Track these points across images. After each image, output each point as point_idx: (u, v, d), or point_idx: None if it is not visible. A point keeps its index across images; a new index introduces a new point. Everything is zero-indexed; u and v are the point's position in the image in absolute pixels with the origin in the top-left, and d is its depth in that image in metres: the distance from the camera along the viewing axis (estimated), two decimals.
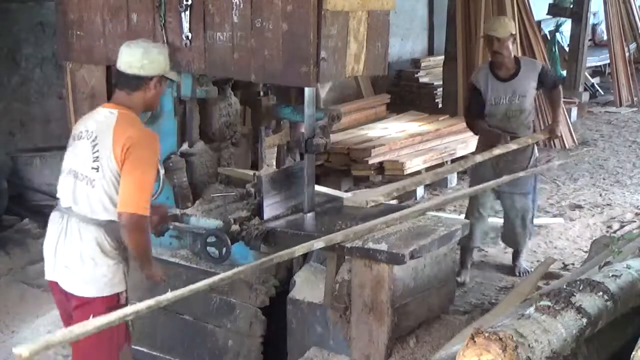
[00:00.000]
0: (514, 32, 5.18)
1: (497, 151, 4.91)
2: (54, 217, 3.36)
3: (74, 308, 3.27)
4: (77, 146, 3.29)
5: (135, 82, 3.28)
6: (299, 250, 3.24)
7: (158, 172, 3.88)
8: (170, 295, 2.58)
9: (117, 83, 3.38)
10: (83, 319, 3.16)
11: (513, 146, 4.99)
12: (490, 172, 5.09)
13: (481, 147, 5.32)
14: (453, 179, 7.96)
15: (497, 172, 5.05)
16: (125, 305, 3.25)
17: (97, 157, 3.18)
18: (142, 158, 3.16)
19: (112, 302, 3.23)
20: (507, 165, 5.13)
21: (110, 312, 3.07)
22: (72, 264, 3.22)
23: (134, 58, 3.27)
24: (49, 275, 3.34)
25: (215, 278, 2.77)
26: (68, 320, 3.35)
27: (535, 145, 5.35)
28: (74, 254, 3.21)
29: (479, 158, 4.94)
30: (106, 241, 3.22)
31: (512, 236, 5.57)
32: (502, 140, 5.09)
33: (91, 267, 3.20)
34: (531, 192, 5.39)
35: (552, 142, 9.60)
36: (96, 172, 3.18)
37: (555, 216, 6.99)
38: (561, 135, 5.76)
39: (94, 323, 2.36)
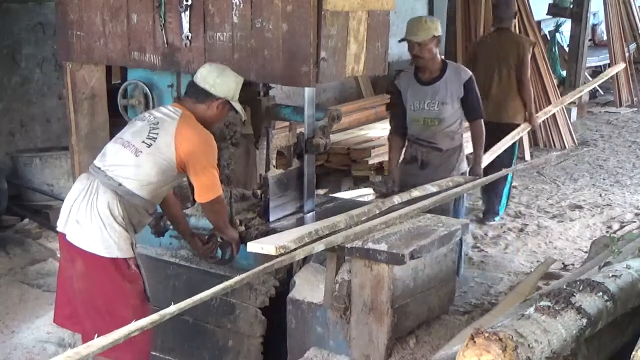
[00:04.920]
0: (437, 34, 4.77)
1: (415, 192, 4.28)
2: (81, 177, 3.57)
3: (82, 264, 3.44)
4: (135, 124, 3.55)
5: (203, 96, 3.51)
6: (299, 253, 3.24)
7: None
8: (174, 307, 2.58)
9: (187, 91, 3.60)
10: (91, 274, 3.42)
11: (432, 188, 4.39)
12: (413, 183, 4.61)
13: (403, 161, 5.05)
14: None
15: (421, 183, 4.58)
16: (138, 272, 3.49)
17: (154, 137, 3.43)
18: (205, 161, 3.46)
19: (123, 267, 3.44)
20: (430, 176, 4.74)
21: (123, 276, 3.41)
22: (83, 220, 3.41)
23: (210, 75, 3.50)
24: (60, 227, 3.52)
25: (218, 287, 2.77)
26: (66, 280, 3.56)
27: (460, 156, 4.98)
28: (87, 212, 3.40)
29: (397, 199, 4.14)
30: (117, 208, 3.39)
31: None
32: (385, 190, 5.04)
33: (100, 227, 3.38)
34: (450, 214, 4.67)
35: (552, 142, 9.63)
36: (147, 147, 3.42)
37: (555, 216, 6.99)
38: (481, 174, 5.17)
39: (102, 341, 2.37)
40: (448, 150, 4.91)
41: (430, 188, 4.36)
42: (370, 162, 7.36)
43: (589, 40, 12.37)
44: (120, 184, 3.41)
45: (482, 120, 5.06)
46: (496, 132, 6.20)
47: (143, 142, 3.42)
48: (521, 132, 6.58)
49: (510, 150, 6.39)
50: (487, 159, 5.85)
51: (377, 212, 3.84)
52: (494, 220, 6.72)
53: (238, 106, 3.59)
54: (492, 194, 6.64)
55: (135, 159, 3.41)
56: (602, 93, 13.05)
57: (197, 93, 3.52)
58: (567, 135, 9.75)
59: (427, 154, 4.88)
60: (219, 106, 3.53)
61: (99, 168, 3.47)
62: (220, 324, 3.92)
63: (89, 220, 3.39)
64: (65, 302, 3.61)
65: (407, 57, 12.50)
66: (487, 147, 6.03)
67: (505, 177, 6.20)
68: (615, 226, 6.63)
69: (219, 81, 3.48)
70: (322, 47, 3.44)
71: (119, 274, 3.42)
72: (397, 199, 4.05)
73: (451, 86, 4.82)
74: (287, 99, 6.01)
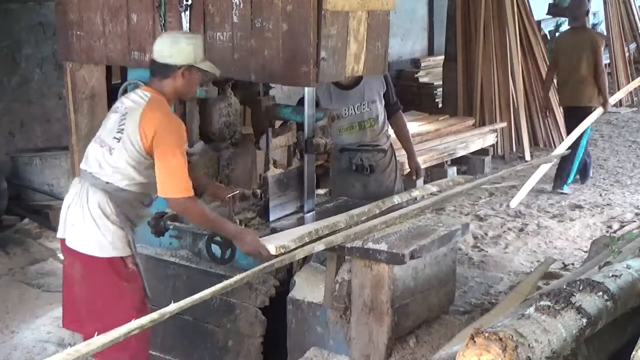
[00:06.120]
0: None
1: (416, 192, 4.27)
2: (74, 181, 3.57)
3: (80, 267, 3.45)
4: (109, 118, 3.50)
5: (165, 70, 3.41)
6: (299, 253, 3.24)
7: None
8: (173, 306, 2.58)
9: (151, 71, 3.51)
10: (89, 276, 3.41)
11: (433, 188, 4.39)
12: (358, 195, 4.65)
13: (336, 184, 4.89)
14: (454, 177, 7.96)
15: (366, 195, 4.66)
16: (136, 270, 3.45)
17: (122, 129, 3.36)
18: (170, 143, 3.31)
19: (119, 266, 3.41)
20: (380, 179, 4.80)
21: (120, 275, 3.37)
22: (77, 223, 3.41)
23: (164, 47, 3.40)
24: (59, 233, 3.54)
25: (218, 286, 2.77)
26: (69, 284, 3.55)
27: (395, 153, 4.99)
28: (79, 214, 3.40)
29: (397, 199, 4.11)
30: (108, 206, 3.37)
31: None
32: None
33: (93, 227, 3.37)
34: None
35: (552, 142, 9.62)
36: (117, 142, 3.36)
37: (555, 216, 6.99)
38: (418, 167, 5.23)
39: (102, 339, 2.38)
40: (388, 150, 4.89)
41: (431, 188, 4.35)
42: None
43: None
44: (107, 182, 3.39)
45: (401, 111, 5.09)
46: (574, 114, 7.61)
47: (114, 137, 3.38)
48: (595, 116, 7.57)
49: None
50: (566, 143, 7.29)
51: (377, 212, 3.84)
52: (563, 189, 7.74)
53: (205, 65, 3.46)
54: (564, 164, 7.77)
55: (110, 157, 3.37)
56: None
57: (159, 70, 3.42)
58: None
59: (372, 158, 4.80)
60: (184, 73, 3.40)
61: (86, 170, 3.45)
62: (220, 324, 3.92)
63: (82, 222, 3.39)
64: (71, 306, 3.60)
65: (407, 57, 12.55)
66: (565, 127, 7.90)
67: (576, 150, 7.51)
68: (615, 226, 6.63)
69: (174, 50, 3.37)
70: (322, 47, 3.43)
71: (115, 273, 3.40)
72: (397, 199, 4.05)
73: (374, 83, 4.75)
74: (287, 99, 6.02)
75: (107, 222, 3.37)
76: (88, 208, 3.38)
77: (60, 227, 3.52)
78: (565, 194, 7.71)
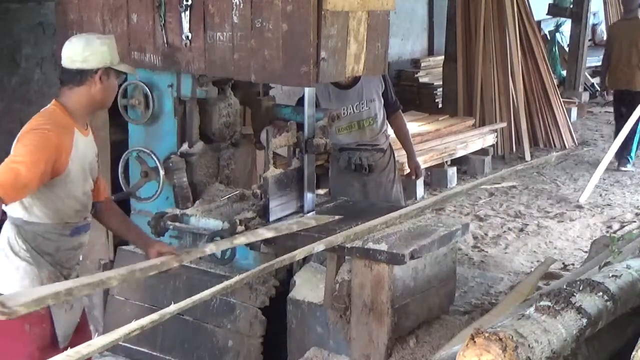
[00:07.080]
0: None
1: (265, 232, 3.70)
2: None
3: None
4: None
5: (79, 76, 3.08)
6: (299, 253, 3.24)
7: (158, 172, 3.90)
8: (174, 307, 2.58)
9: (61, 81, 3.19)
10: None
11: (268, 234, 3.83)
12: (357, 195, 4.75)
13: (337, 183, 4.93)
14: (453, 179, 7.97)
15: (365, 194, 4.79)
16: (45, 314, 3.04)
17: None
18: (23, 144, 3.01)
19: None
20: (378, 178, 4.86)
21: (22, 316, 2.77)
22: None
23: (76, 52, 3.08)
24: None
25: (218, 287, 2.77)
26: None
27: (394, 153, 5.01)
28: None
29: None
30: (17, 242, 3.03)
31: None
32: None
33: (2, 263, 3.06)
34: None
35: (552, 142, 9.63)
36: None
37: (555, 216, 6.99)
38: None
39: (102, 340, 2.36)
40: (387, 150, 4.91)
41: (310, 222, 3.79)
42: None
43: (589, 40, 12.37)
44: (14, 216, 3.05)
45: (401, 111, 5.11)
46: (625, 97, 8.50)
47: None
48: None
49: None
50: (625, 130, 7.85)
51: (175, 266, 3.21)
52: (626, 167, 8.53)
53: (124, 67, 3.20)
54: (624, 142, 8.29)
55: None
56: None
57: (71, 78, 3.08)
58: (567, 135, 9.75)
59: (371, 157, 4.81)
60: (102, 77, 3.07)
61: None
62: (220, 324, 3.92)
63: None
64: None
65: (407, 57, 12.54)
66: (619, 110, 8.57)
67: (635, 128, 8.24)
68: (615, 226, 6.63)
69: (88, 53, 3.05)
70: (322, 47, 3.43)
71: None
72: (243, 239, 3.52)
73: (373, 82, 4.75)
74: (287, 99, 6.02)
75: (15, 258, 3.03)
76: (0, 243, 3.07)
77: None
78: (630, 170, 8.46)
